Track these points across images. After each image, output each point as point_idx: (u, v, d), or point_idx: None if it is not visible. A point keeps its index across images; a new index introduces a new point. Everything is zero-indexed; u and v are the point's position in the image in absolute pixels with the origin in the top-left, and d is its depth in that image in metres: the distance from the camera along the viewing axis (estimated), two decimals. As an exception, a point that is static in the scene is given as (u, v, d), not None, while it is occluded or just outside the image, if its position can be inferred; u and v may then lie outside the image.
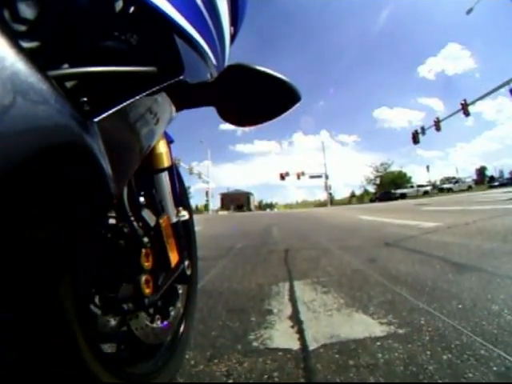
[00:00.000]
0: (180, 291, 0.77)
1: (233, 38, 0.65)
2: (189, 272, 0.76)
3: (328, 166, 42.74)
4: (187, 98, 0.51)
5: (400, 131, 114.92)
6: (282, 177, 42.76)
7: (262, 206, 71.71)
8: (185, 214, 0.72)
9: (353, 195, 57.22)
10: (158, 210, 0.62)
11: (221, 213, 45.50)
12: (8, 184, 0.23)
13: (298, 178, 42.63)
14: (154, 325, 0.62)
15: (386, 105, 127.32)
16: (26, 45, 0.29)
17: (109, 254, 0.51)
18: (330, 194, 43.62)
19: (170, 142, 0.75)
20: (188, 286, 0.87)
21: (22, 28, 0.29)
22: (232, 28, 0.60)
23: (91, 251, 0.48)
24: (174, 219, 0.68)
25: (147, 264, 0.54)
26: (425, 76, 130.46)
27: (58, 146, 0.26)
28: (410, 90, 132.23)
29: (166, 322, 0.68)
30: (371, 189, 50.75)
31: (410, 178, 46.84)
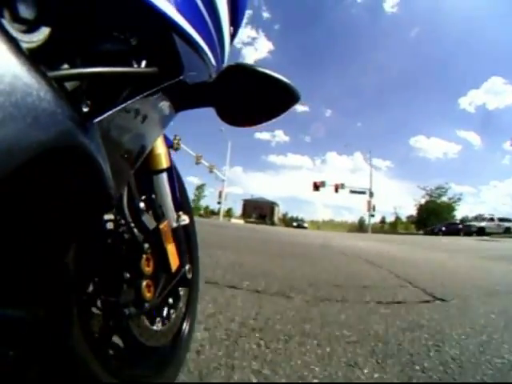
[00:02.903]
0: (181, 295, 0.77)
1: (232, 38, 0.65)
2: (190, 276, 0.76)
3: (359, 190, 35.72)
4: (186, 98, 0.51)
5: (434, 162, 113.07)
6: (316, 187, 34.99)
7: (286, 220, 60.68)
8: (185, 219, 0.72)
9: (383, 221, 52.08)
10: (158, 214, 0.62)
11: (234, 221, 37.70)
12: (7, 185, 0.23)
13: (336, 190, 34.86)
14: (155, 327, 0.62)
15: (424, 133, 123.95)
16: (25, 45, 0.29)
17: (110, 259, 0.51)
18: (373, 215, 34.51)
19: (168, 145, 0.75)
20: (189, 290, 0.87)
21: (22, 28, 0.29)
22: (231, 28, 0.61)
23: (93, 255, 0.47)
24: (175, 224, 0.67)
25: (148, 269, 0.54)
26: (465, 108, 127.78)
27: (58, 147, 0.26)
28: (449, 121, 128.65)
29: (166, 325, 0.67)
30: (403, 217, 44.53)
31: (454, 209, 38.15)
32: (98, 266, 0.50)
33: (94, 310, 0.50)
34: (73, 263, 0.39)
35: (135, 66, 0.41)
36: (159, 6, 0.34)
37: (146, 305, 0.53)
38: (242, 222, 40.78)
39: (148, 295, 0.53)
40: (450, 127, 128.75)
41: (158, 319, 0.64)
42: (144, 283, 0.52)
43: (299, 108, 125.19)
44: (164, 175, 0.64)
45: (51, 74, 0.28)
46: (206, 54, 0.48)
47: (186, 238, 0.78)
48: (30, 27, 0.30)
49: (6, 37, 0.23)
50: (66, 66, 0.33)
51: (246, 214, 58.18)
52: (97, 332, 0.49)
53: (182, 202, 0.78)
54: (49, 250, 0.30)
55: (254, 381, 0.80)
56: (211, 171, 34.33)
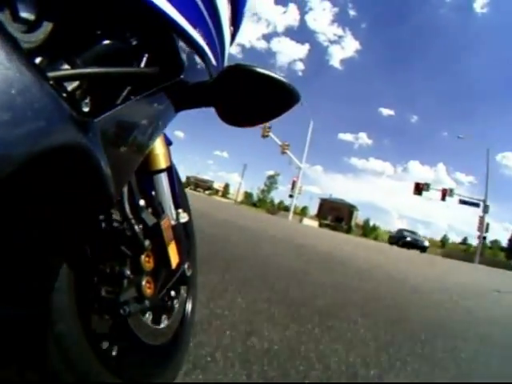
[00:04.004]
0: (180, 292, 0.77)
1: (232, 38, 0.65)
2: (189, 273, 0.76)
3: (436, 204, 29.49)
4: (187, 98, 0.51)
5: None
6: (419, 189, 27.48)
7: (366, 228, 49.33)
8: (185, 216, 0.73)
9: (464, 243, 43.02)
10: (158, 211, 0.62)
11: (307, 222, 29.20)
12: (8, 185, 0.23)
13: (443, 197, 27.24)
14: (155, 325, 0.63)
15: None
16: (25, 45, 0.29)
17: (110, 256, 0.51)
18: (485, 238, 26.34)
19: (168, 144, 0.75)
20: (188, 288, 0.87)
21: (22, 28, 0.29)
22: (232, 28, 0.61)
23: (92, 252, 0.48)
24: (175, 221, 0.68)
25: (148, 265, 0.54)
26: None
27: (58, 147, 0.26)
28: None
29: (166, 323, 0.68)
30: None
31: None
32: (98, 263, 0.50)
33: (95, 307, 0.50)
34: (72, 261, 0.40)
35: (135, 65, 0.41)
36: (160, 6, 0.34)
37: (147, 302, 0.53)
38: (315, 224, 31.12)
39: (148, 292, 0.53)
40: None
41: (157, 317, 0.65)
42: (144, 280, 0.52)
43: (385, 111, 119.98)
44: (164, 175, 0.65)
45: (51, 74, 0.29)
46: (207, 54, 0.48)
47: (185, 236, 0.78)
48: (30, 27, 0.30)
49: (6, 37, 0.23)
50: (65, 66, 0.33)
51: (321, 215, 50.43)
52: (97, 330, 0.49)
53: (181, 201, 0.78)
54: (49, 249, 0.30)
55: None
56: (283, 152, 26.65)
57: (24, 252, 0.27)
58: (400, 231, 28.16)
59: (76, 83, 0.34)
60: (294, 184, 28.39)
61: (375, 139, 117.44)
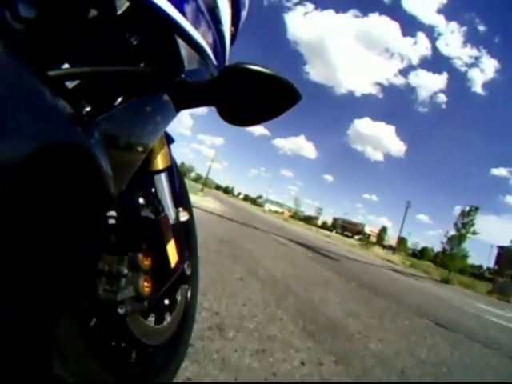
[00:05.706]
0: (180, 292, 0.77)
1: (233, 38, 0.65)
2: (189, 272, 0.76)
3: None
4: (187, 97, 0.51)
5: None
6: None
7: None
8: (185, 214, 0.73)
9: None
10: (158, 210, 0.62)
11: None
12: (7, 184, 0.23)
13: None
14: (154, 325, 0.62)
15: None
16: (25, 45, 0.29)
17: (107, 254, 0.51)
18: None
19: (170, 141, 0.75)
20: (188, 287, 0.87)
21: (22, 28, 0.29)
22: (232, 28, 0.61)
23: (90, 250, 0.48)
24: (174, 220, 0.68)
25: (146, 264, 0.54)
26: None
27: (58, 147, 0.26)
28: None
29: (165, 323, 0.68)
30: None
31: None
32: (96, 262, 0.50)
33: (92, 307, 0.50)
34: (69, 260, 0.39)
35: (136, 65, 0.41)
36: (160, 6, 0.34)
37: (145, 302, 0.53)
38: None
39: (146, 291, 0.53)
40: None
41: (156, 317, 0.64)
42: (142, 279, 0.52)
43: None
44: (164, 174, 0.65)
45: (52, 73, 0.29)
46: (207, 54, 0.48)
47: (185, 235, 0.78)
48: (31, 27, 0.30)
49: (7, 36, 0.23)
50: (66, 65, 0.33)
51: (500, 269, 36.67)
52: (95, 330, 0.49)
53: (182, 199, 0.78)
54: (49, 249, 0.30)
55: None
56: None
57: (24, 251, 0.27)
58: None
59: (76, 83, 0.34)
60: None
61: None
